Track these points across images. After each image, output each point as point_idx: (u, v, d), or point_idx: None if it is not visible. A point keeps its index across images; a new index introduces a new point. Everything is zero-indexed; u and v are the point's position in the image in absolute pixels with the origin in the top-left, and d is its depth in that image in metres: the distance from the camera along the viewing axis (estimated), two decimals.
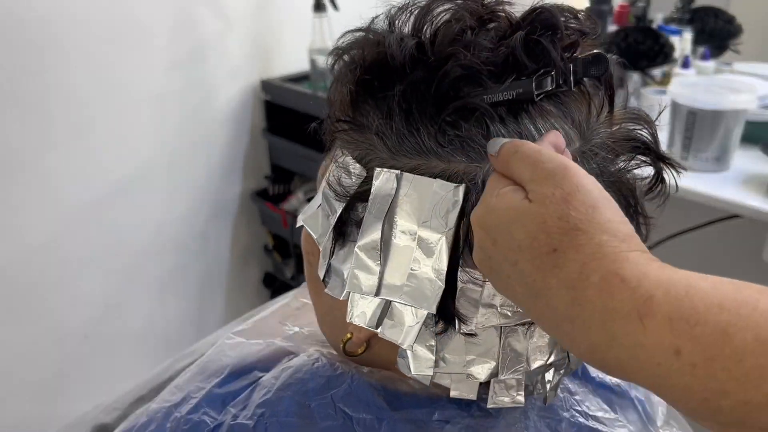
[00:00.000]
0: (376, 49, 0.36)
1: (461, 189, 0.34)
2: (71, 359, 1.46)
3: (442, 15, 0.36)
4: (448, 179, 0.34)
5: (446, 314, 0.36)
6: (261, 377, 0.43)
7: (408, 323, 0.36)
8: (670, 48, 1.44)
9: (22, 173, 1.28)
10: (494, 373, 0.37)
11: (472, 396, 0.38)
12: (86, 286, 1.45)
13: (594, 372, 0.49)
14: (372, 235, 0.36)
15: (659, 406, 0.50)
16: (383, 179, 0.35)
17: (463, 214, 0.34)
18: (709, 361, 0.23)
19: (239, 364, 0.45)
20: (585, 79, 0.36)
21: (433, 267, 0.35)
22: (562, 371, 0.40)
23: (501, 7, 0.37)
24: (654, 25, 1.59)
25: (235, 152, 1.69)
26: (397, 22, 0.38)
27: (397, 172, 0.35)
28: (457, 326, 0.36)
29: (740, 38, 1.58)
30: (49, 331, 1.41)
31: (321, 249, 0.40)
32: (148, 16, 1.39)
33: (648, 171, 0.38)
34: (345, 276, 0.38)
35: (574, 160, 0.34)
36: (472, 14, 0.36)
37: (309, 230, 0.41)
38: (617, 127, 0.38)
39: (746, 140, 1.23)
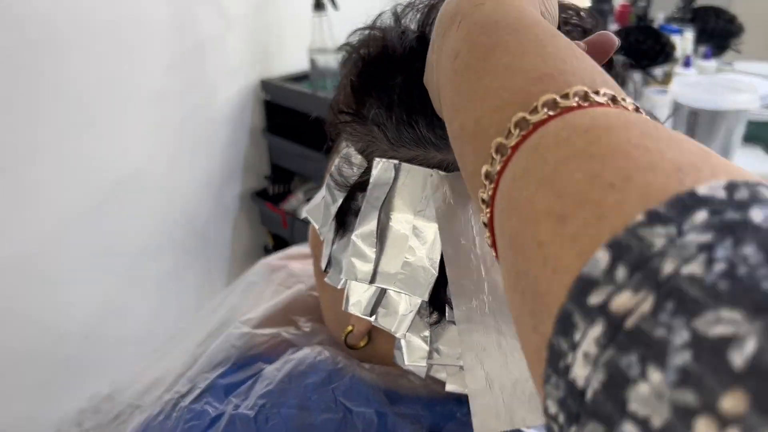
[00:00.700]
0: (379, 43, 0.37)
1: None
2: (71, 359, 1.45)
3: None
4: (446, 170, 0.35)
5: (440, 304, 0.36)
6: (264, 369, 0.44)
7: (402, 312, 0.36)
8: (672, 47, 1.44)
9: (21, 172, 1.28)
10: None
11: (467, 390, 0.38)
12: (86, 286, 1.45)
13: None
14: (369, 223, 0.36)
15: None
16: (381, 168, 0.36)
17: None
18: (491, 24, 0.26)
19: (244, 355, 0.46)
20: None
21: (427, 255, 0.35)
22: None
23: None
24: (655, 25, 1.59)
25: (234, 152, 1.69)
26: (403, 20, 0.38)
27: (396, 161, 0.36)
28: (448, 315, 0.36)
29: (742, 38, 1.58)
30: (49, 331, 1.41)
31: (323, 240, 0.41)
32: (148, 16, 1.39)
33: None
34: (343, 265, 0.38)
35: None
36: None
37: (312, 221, 0.42)
38: None
39: (748, 140, 1.22)
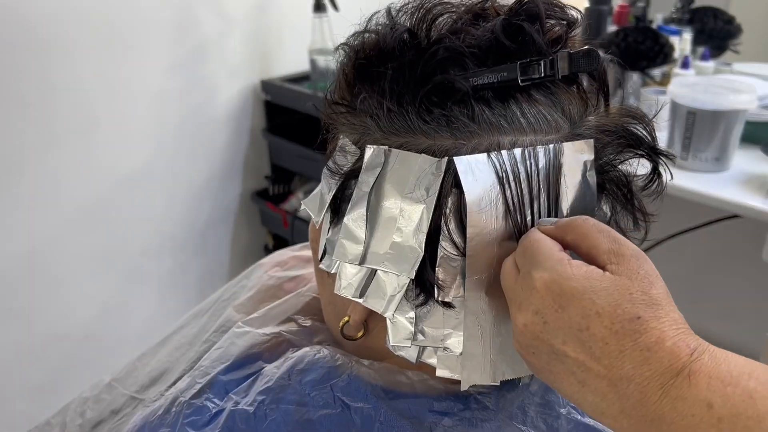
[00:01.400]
0: (372, 38, 0.39)
1: (443, 162, 0.35)
2: (71, 359, 1.46)
3: (439, 10, 0.38)
4: (433, 155, 0.36)
5: (425, 284, 0.37)
6: (264, 368, 0.44)
7: (390, 293, 0.38)
8: (670, 48, 1.45)
9: (23, 172, 1.28)
10: None
11: (457, 375, 0.38)
12: (86, 286, 1.46)
13: None
14: (359, 206, 0.38)
15: None
16: (372, 154, 0.37)
17: (444, 185, 0.36)
18: (734, 417, 0.27)
19: (245, 353, 0.47)
20: (578, 74, 0.37)
21: (414, 235, 0.36)
22: None
23: (496, 3, 0.39)
24: (654, 26, 1.59)
25: (235, 152, 1.69)
26: (396, 17, 0.40)
27: (386, 147, 0.37)
28: (435, 294, 0.37)
29: (740, 38, 1.59)
30: (49, 331, 1.41)
31: (320, 228, 0.42)
32: (149, 17, 1.40)
33: (645, 169, 0.39)
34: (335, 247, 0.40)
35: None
36: (468, 12, 0.38)
37: (308, 210, 0.44)
38: (610, 118, 0.39)
39: (746, 140, 1.23)
